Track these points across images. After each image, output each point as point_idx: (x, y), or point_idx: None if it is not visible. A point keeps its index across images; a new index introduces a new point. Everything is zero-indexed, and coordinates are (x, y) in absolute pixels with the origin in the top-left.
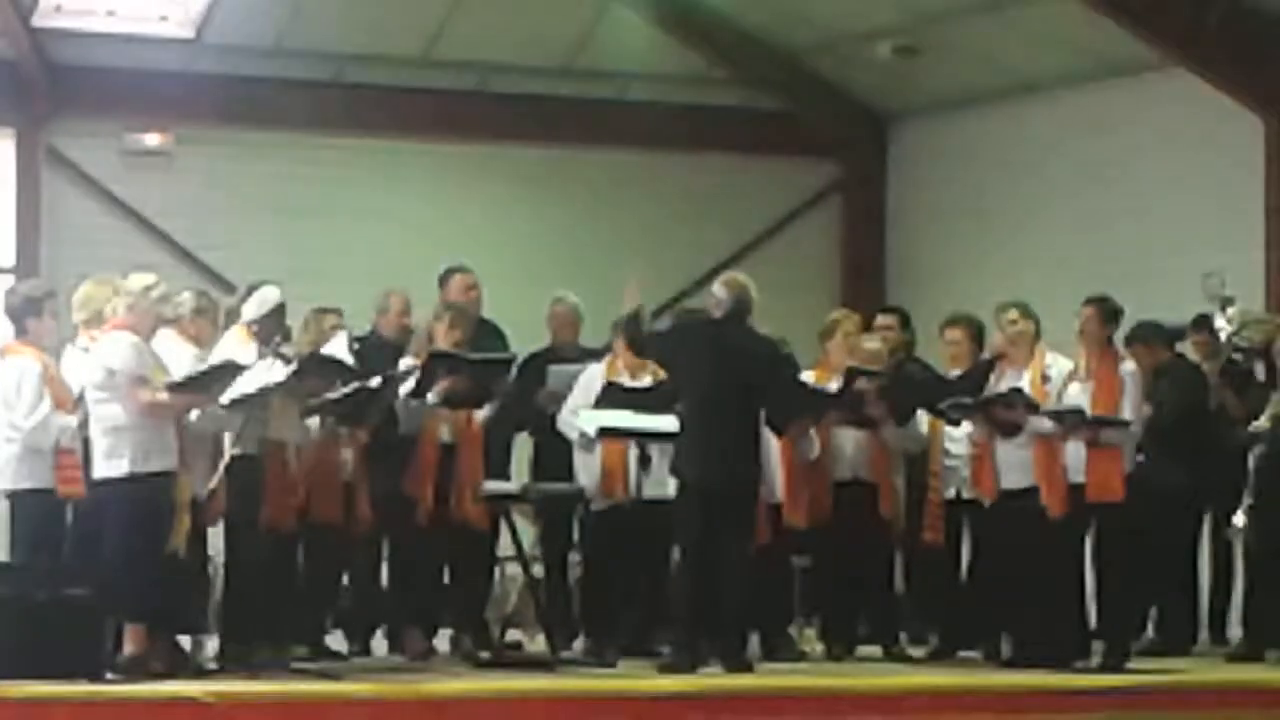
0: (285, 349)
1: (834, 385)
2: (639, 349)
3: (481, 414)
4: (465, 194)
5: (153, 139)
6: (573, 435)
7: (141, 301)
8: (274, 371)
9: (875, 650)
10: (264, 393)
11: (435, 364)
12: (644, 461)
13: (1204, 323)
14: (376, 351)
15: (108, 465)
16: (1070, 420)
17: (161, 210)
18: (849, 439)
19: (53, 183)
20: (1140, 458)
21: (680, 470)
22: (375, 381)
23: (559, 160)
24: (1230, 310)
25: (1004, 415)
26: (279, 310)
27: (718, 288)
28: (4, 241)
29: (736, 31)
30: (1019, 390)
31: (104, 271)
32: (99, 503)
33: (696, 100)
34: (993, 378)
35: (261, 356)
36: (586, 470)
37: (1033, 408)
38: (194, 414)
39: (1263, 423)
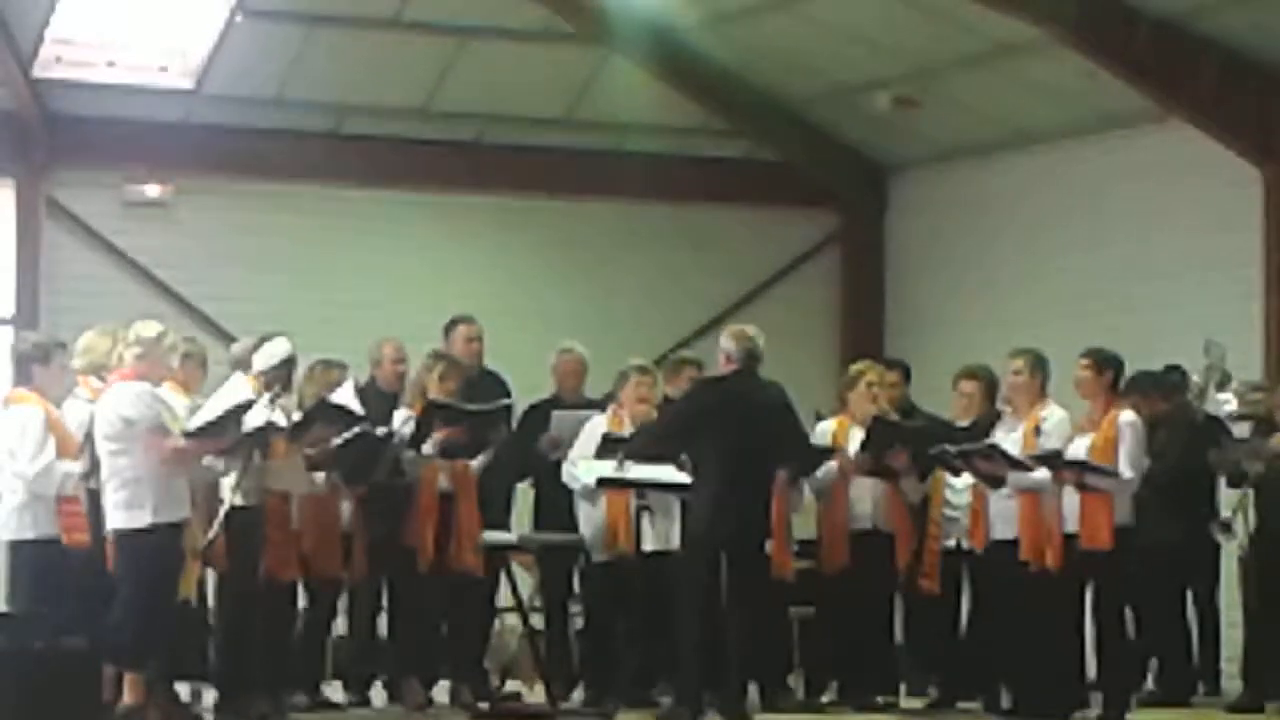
0: (285, 400)
1: (856, 435)
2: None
3: (476, 463)
4: (465, 245)
5: (152, 190)
6: (576, 486)
7: (154, 350)
8: (269, 416)
9: (876, 700)
10: (257, 436)
11: (432, 414)
12: (649, 513)
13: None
14: (376, 401)
15: (128, 516)
16: (1054, 464)
17: (161, 261)
18: (867, 489)
19: (52, 233)
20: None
21: (695, 523)
22: (381, 431)
23: (559, 211)
24: (1231, 385)
25: (985, 468)
26: (289, 362)
27: (726, 341)
28: (3, 291)
29: (736, 82)
30: (994, 445)
31: (103, 321)
32: (115, 553)
33: (696, 151)
34: (996, 428)
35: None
36: (589, 522)
37: (1013, 461)
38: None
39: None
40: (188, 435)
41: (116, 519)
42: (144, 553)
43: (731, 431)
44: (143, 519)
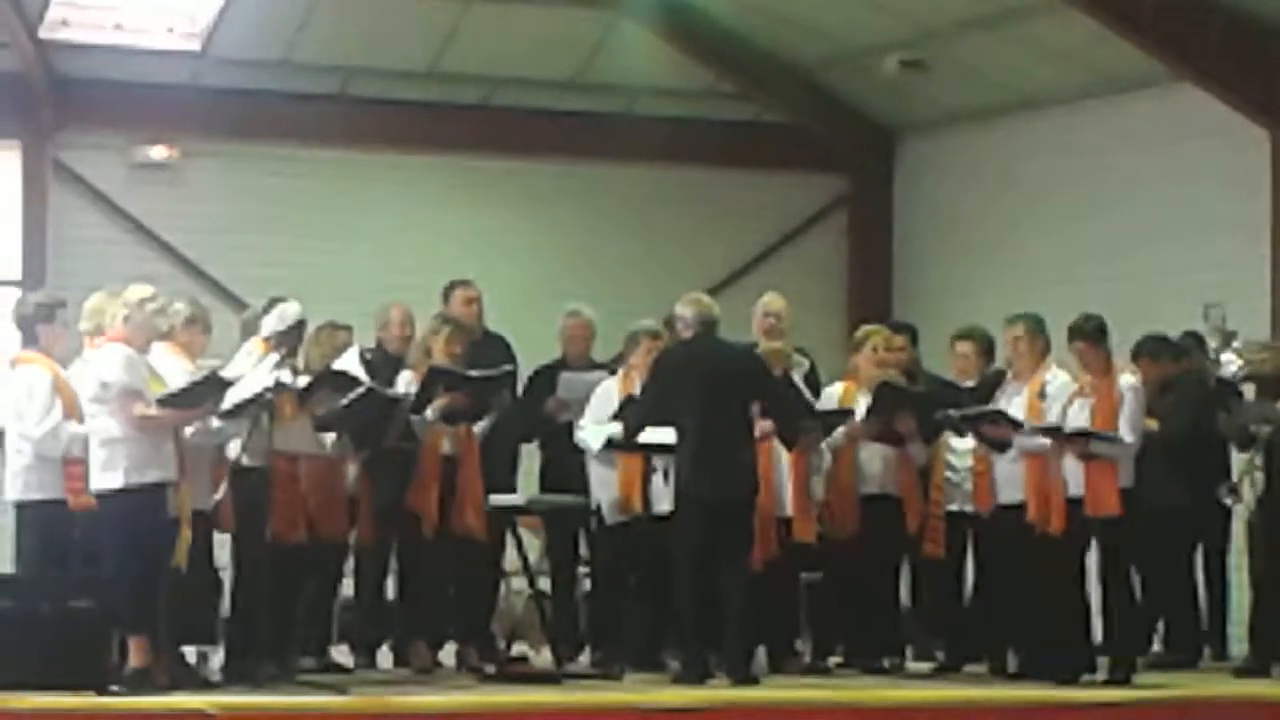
0: (293, 361)
1: (863, 399)
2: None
3: (479, 427)
4: (472, 208)
5: (159, 152)
6: (590, 450)
7: (138, 314)
8: (277, 376)
9: (882, 664)
10: (261, 397)
11: (434, 379)
12: (664, 475)
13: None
14: (384, 365)
15: (103, 477)
16: (1056, 435)
17: (167, 223)
18: (876, 453)
19: (59, 195)
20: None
21: (679, 483)
22: (392, 394)
23: (567, 174)
24: (1235, 344)
25: (990, 432)
26: (299, 325)
27: (681, 308)
28: (10, 254)
29: (744, 46)
30: (999, 410)
31: (110, 284)
32: (99, 514)
33: (704, 114)
34: (999, 392)
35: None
36: (603, 485)
37: (1018, 424)
38: (189, 428)
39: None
40: (160, 402)
41: (96, 480)
42: (119, 513)
43: (692, 390)
44: (116, 480)
